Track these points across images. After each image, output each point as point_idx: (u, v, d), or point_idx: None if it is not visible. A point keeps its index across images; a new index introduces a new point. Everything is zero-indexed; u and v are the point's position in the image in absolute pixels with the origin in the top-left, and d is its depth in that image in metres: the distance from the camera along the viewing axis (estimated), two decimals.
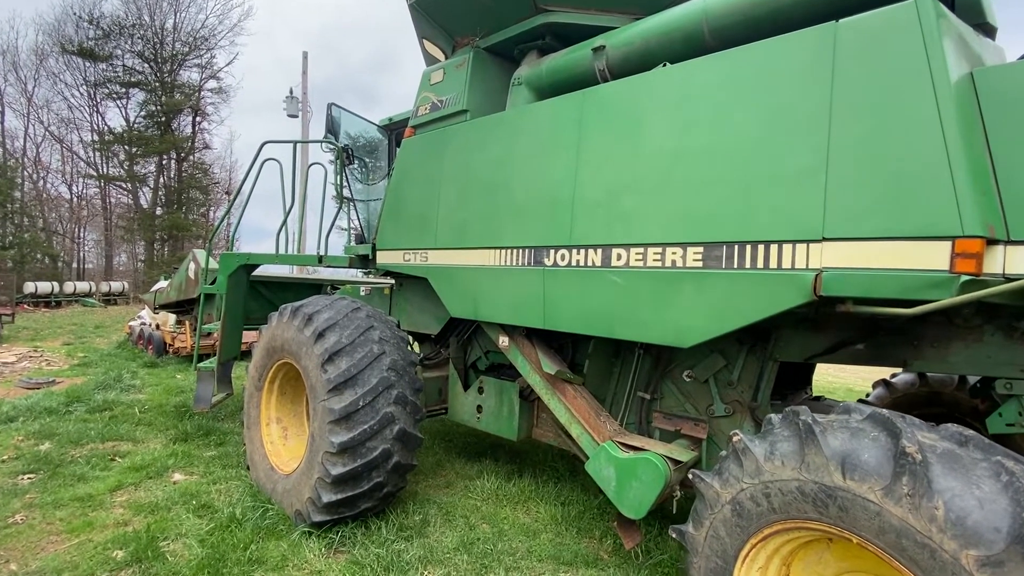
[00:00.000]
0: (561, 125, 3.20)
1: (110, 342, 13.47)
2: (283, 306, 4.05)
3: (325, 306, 3.80)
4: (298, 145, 5.28)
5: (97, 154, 37.27)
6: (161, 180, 37.29)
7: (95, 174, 37.79)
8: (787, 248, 2.28)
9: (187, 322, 10.13)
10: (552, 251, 3.18)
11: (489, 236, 3.56)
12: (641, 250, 2.78)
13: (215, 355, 5.59)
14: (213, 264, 6.10)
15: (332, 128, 5.13)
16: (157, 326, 11.22)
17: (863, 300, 2.18)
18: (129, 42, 35.08)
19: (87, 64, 35.42)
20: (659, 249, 2.70)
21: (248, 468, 4.28)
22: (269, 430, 4.22)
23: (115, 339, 13.84)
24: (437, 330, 4.49)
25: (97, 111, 37.16)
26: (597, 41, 3.35)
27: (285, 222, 5.08)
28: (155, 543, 3.37)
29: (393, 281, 4.98)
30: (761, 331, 2.98)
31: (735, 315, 2.43)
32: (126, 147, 36.18)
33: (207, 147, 39.46)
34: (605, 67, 3.30)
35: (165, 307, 8.57)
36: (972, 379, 3.78)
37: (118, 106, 36.78)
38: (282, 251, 5.14)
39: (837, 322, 2.77)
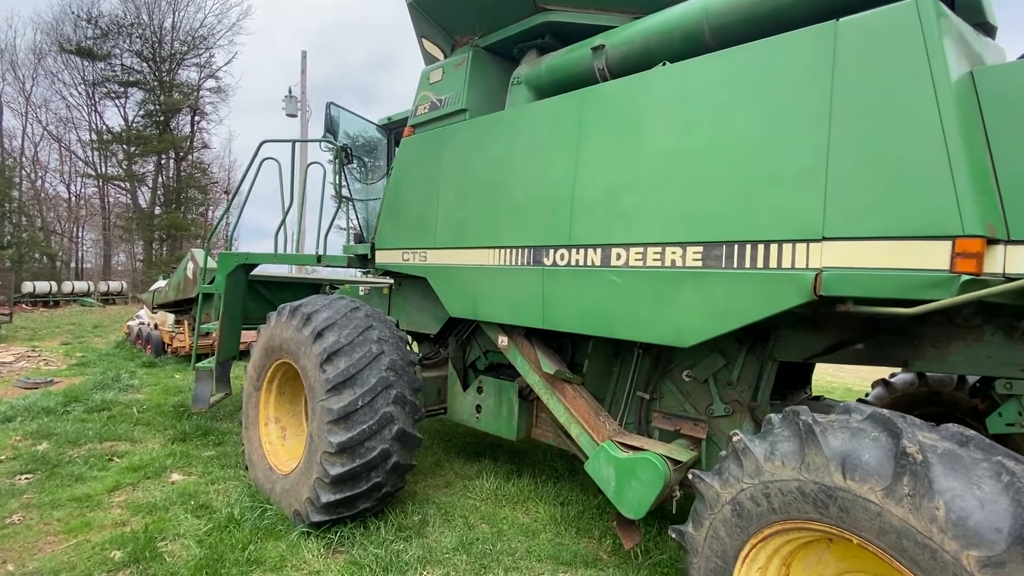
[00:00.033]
0: (560, 124, 3.20)
1: (108, 342, 13.45)
2: (282, 306, 4.04)
3: (324, 306, 3.79)
4: (297, 144, 5.27)
5: (95, 153, 37.26)
6: (160, 179, 37.27)
7: (93, 173, 37.77)
8: (787, 248, 2.28)
9: (185, 322, 10.11)
10: (551, 251, 3.18)
11: (488, 236, 3.55)
12: (641, 250, 2.77)
13: (213, 355, 5.58)
14: (211, 264, 6.09)
15: (331, 127, 5.12)
16: (155, 326, 11.20)
17: (863, 300, 2.18)
18: (127, 41, 35.09)
19: (85, 63, 35.41)
20: (659, 249, 2.70)
21: (246, 468, 4.27)
22: (268, 430, 4.21)
23: (113, 339, 13.82)
24: (436, 330, 4.48)
25: (95, 110, 37.18)
26: (596, 40, 3.34)
27: (284, 221, 5.07)
28: (153, 543, 3.36)
29: (392, 281, 4.97)
30: (761, 331, 2.97)
31: (735, 315, 2.42)
32: (124, 146, 36.15)
33: (206, 146, 39.48)
34: (605, 66, 3.29)
35: (163, 307, 8.54)
36: (971, 379, 3.78)
37: (116, 105, 36.81)
38: (281, 251, 5.12)
39: (837, 322, 2.77)
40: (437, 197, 3.92)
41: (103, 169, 37.56)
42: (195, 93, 37.13)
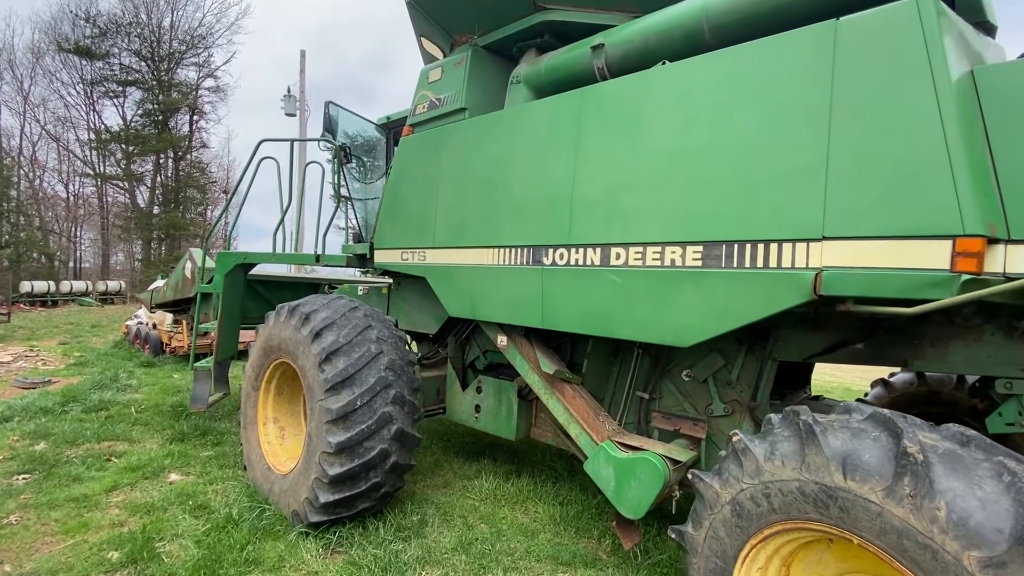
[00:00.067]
0: (560, 123, 3.19)
1: (106, 341, 13.42)
2: (280, 305, 4.03)
3: (322, 305, 3.78)
4: (295, 143, 5.26)
5: (94, 153, 37.22)
6: (158, 179, 37.23)
7: (92, 173, 37.72)
8: (787, 247, 2.27)
9: (184, 321, 10.09)
10: (551, 250, 3.17)
11: (487, 235, 3.54)
12: (640, 249, 2.76)
13: (212, 354, 5.57)
14: (210, 263, 6.07)
15: (330, 126, 5.11)
16: (154, 325, 11.19)
17: (863, 299, 2.17)
18: (126, 40, 35.06)
19: (84, 62, 35.36)
20: (658, 248, 2.69)
21: (245, 468, 4.26)
22: (266, 430, 4.20)
23: (112, 338, 13.80)
24: (435, 329, 4.48)
25: (94, 109, 37.14)
26: (596, 39, 3.33)
27: (282, 221, 5.06)
28: (151, 544, 3.35)
29: (391, 280, 4.96)
30: (760, 330, 2.97)
31: (734, 314, 2.42)
32: (123, 146, 36.11)
33: (204, 146, 39.46)
34: (604, 65, 3.29)
35: (162, 306, 8.53)
36: (970, 378, 3.77)
37: (115, 105, 36.77)
38: (279, 250, 5.11)
39: (837, 321, 2.76)
40: (436, 196, 3.91)
41: (101, 168, 37.52)
42: (194, 92, 37.11)
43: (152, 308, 9.46)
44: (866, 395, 4.30)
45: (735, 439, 2.21)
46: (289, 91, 21.50)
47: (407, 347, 3.91)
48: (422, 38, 4.42)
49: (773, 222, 2.31)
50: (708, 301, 2.50)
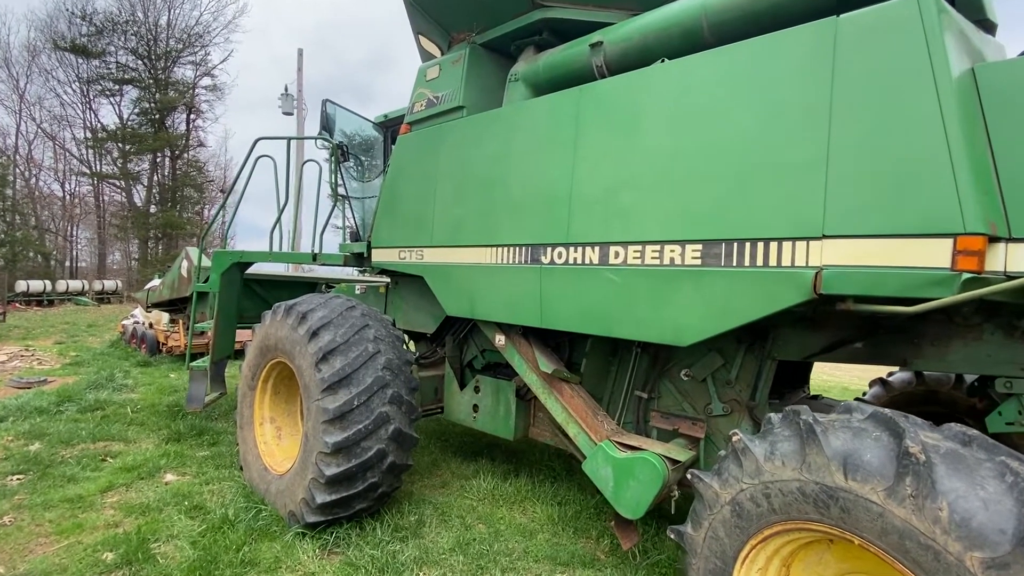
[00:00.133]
0: (558, 121, 3.17)
1: (103, 341, 13.36)
2: (277, 304, 4.01)
3: (319, 304, 3.76)
4: (292, 142, 5.24)
5: (90, 152, 37.04)
6: (155, 178, 37.09)
7: (88, 172, 37.56)
8: (787, 246, 2.26)
9: (180, 321, 10.04)
10: (549, 249, 3.15)
11: (485, 234, 3.52)
12: (639, 248, 2.75)
13: (208, 354, 5.54)
14: (206, 262, 6.04)
15: (327, 125, 5.08)
16: (150, 325, 11.14)
17: (863, 298, 2.16)
18: (122, 39, 34.87)
19: (80, 61, 35.19)
20: (657, 247, 2.68)
21: (241, 468, 4.23)
22: (263, 430, 4.17)
23: (108, 338, 13.73)
24: (433, 329, 4.46)
25: (90, 108, 36.97)
26: (595, 37, 3.32)
27: (279, 219, 5.04)
28: (146, 545, 3.33)
29: (388, 279, 4.94)
30: (760, 330, 2.96)
31: (734, 313, 2.40)
32: (119, 144, 35.95)
33: (201, 145, 39.26)
34: (603, 63, 3.27)
35: (158, 306, 8.48)
36: (969, 377, 3.77)
37: (111, 103, 36.57)
38: (276, 249, 5.09)
39: (836, 320, 2.75)
40: (434, 195, 3.89)
41: (98, 167, 37.35)
42: (191, 91, 36.96)
43: (148, 307, 9.40)
44: (864, 394, 4.30)
45: (735, 439, 2.20)
46: (287, 90, 21.41)
47: (405, 346, 3.89)
48: (420, 36, 4.40)
49: (773, 220, 2.30)
50: (707, 300, 2.48)
